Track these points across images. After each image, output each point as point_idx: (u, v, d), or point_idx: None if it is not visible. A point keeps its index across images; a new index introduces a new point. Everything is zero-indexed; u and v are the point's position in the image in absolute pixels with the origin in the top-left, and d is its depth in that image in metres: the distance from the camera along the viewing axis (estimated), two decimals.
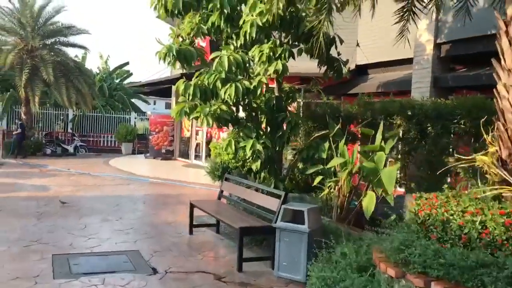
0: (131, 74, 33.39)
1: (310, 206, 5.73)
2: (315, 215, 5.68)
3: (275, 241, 5.79)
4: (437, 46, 9.83)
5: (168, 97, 27.30)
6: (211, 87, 7.47)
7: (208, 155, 18.07)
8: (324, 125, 9.19)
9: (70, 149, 22.59)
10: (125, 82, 33.04)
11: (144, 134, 24.85)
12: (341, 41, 8.02)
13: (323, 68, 8.31)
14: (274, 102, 8.06)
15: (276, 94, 8.16)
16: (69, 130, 25.91)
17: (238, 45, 7.58)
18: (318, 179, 7.22)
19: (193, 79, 7.77)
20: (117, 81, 32.59)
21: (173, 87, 20.71)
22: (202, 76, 7.74)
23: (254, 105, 8.11)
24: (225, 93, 7.27)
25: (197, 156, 19.26)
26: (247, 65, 7.42)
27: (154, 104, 39.60)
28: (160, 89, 22.47)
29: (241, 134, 7.70)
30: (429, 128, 8.33)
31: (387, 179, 6.42)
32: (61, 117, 26.45)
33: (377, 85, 11.57)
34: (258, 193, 6.81)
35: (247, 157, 7.43)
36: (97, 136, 25.95)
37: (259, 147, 7.28)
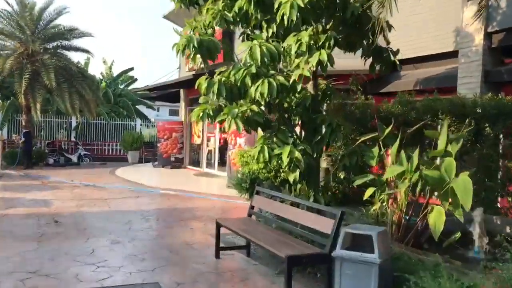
0: (136, 79, 32.33)
1: (378, 229, 4.54)
2: (385, 240, 4.50)
3: (329, 272, 4.62)
4: (488, 36, 8.67)
5: (174, 103, 26.22)
6: (238, 84, 6.32)
7: (220, 162, 16.92)
8: (363, 127, 8.04)
9: (74, 158, 21.48)
10: (130, 88, 31.96)
11: (151, 142, 23.75)
12: (390, 28, 6.85)
13: (357, 63, 7.16)
14: (310, 101, 6.88)
15: (312, 92, 7.00)
16: (73, 139, 24.82)
17: (270, 34, 6.43)
18: (369, 191, 6.03)
19: (215, 76, 6.63)
20: (121, 87, 31.51)
21: (182, 92, 19.60)
22: (227, 72, 6.61)
23: (285, 105, 6.96)
24: (255, 91, 6.13)
25: (209, 164, 18.10)
26: (281, 57, 6.25)
27: (158, 110, 38.43)
28: (167, 93, 21.39)
29: (274, 139, 6.53)
30: (486, 128, 7.20)
31: (462, 190, 5.21)
32: (64, 125, 25.37)
33: (413, 82, 10.39)
34: (303, 210, 5.61)
35: (282, 167, 6.24)
36: (101, 144, 24.84)
37: (297, 154, 6.12)
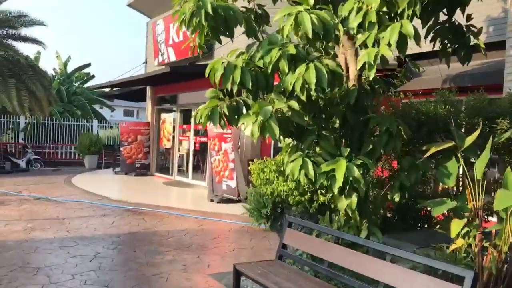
0: (93, 76, 29.59)
1: None
2: None
3: None
4: None
5: (138, 102, 23.89)
6: (269, 70, 4.38)
7: (195, 170, 14.84)
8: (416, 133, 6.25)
9: (22, 164, 18.78)
10: (86, 85, 29.21)
11: (112, 145, 21.32)
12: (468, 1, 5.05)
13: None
14: (355, 97, 4.98)
15: (354, 85, 5.12)
16: (21, 141, 22.02)
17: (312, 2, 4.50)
18: (457, 225, 4.22)
19: (234, 58, 4.65)
20: (76, 84, 28.73)
21: (148, 89, 17.40)
22: (247, 54, 4.66)
23: (321, 102, 5.07)
24: (296, 80, 4.21)
25: (180, 172, 15.96)
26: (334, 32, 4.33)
27: (112, 111, 35.47)
28: (130, 92, 19.06)
29: (317, 150, 4.61)
30: None
31: None
32: (11, 126, 22.49)
33: (438, 79, 8.74)
34: (389, 263, 3.72)
35: (334, 188, 4.32)
36: (54, 147, 22.14)
37: (357, 173, 4.23)
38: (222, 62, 4.48)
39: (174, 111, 16.38)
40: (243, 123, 4.36)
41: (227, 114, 4.70)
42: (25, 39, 18.09)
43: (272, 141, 11.67)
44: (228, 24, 4.64)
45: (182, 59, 14.09)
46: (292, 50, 4.33)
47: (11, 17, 17.34)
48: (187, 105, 15.58)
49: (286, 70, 4.34)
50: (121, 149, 17.22)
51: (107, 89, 19.21)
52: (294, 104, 4.33)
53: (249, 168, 7.03)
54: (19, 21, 17.54)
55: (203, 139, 14.45)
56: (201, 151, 14.87)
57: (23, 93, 16.90)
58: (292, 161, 4.48)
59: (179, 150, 15.98)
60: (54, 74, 28.39)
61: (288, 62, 4.33)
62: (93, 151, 19.94)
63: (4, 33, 17.57)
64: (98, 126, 25.11)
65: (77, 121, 24.11)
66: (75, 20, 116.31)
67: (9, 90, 16.39)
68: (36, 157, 19.46)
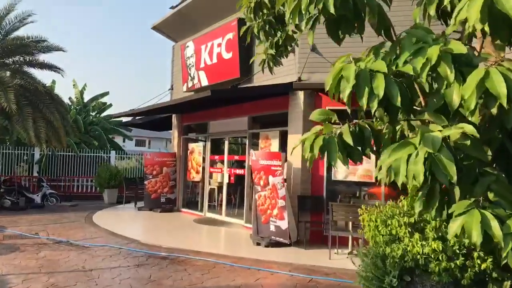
0: (110, 105, 28.49)
1: None
2: None
3: None
4: None
5: (161, 131, 22.64)
6: (423, 77, 2.93)
7: (228, 203, 13.34)
8: None
9: (37, 199, 17.40)
10: (103, 115, 28.09)
11: (133, 178, 19.93)
12: None
13: None
14: None
15: None
16: (35, 174, 20.72)
17: None
18: None
19: (365, 63, 3.21)
20: (93, 113, 27.60)
21: (174, 118, 16.06)
22: (389, 55, 3.23)
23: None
24: (471, 93, 2.77)
25: (210, 207, 14.47)
26: None
27: (124, 141, 34.13)
28: (153, 121, 17.74)
29: (490, 196, 3.11)
30: None
31: None
32: (25, 157, 21.23)
33: None
34: None
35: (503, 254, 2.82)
36: (70, 180, 20.79)
37: None
38: (355, 68, 3.04)
39: (203, 140, 15.00)
40: (393, 158, 2.88)
41: (351, 144, 3.24)
42: (43, 65, 16.96)
43: (326, 173, 10.16)
44: (357, 13, 3.21)
45: (215, 83, 12.77)
46: (459, 48, 2.90)
47: (29, 42, 16.24)
48: (218, 133, 14.21)
49: (451, 78, 2.90)
50: (145, 182, 15.78)
51: (129, 118, 17.88)
52: (471, 129, 2.85)
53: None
54: (37, 46, 16.44)
55: (239, 171, 13.00)
56: (236, 185, 13.41)
57: (40, 123, 15.70)
58: (461, 213, 2.98)
59: (209, 184, 14.51)
60: (70, 103, 27.32)
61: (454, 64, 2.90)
62: (113, 185, 18.54)
63: (21, 59, 16.47)
64: (116, 157, 23.83)
65: (94, 152, 22.84)
66: (90, 47, 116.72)
67: (25, 120, 15.17)
68: (51, 191, 18.08)
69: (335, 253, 9.14)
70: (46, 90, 16.63)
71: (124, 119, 20.85)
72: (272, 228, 9.80)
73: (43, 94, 16.16)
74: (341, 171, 10.23)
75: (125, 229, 11.81)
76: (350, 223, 9.05)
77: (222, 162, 13.86)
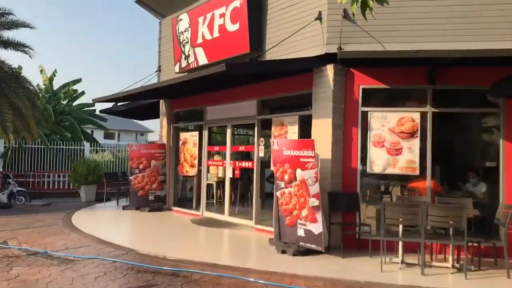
0: (83, 93, 26.08)
1: None
2: None
3: None
4: None
5: (146, 119, 20.64)
6: None
7: (234, 203, 11.56)
8: None
9: (3, 198, 15.24)
10: (75, 103, 25.70)
11: (114, 173, 17.82)
12: None
13: None
14: None
15: None
16: (0, 169, 18.40)
17: None
18: None
19: None
20: (64, 102, 25.17)
21: (162, 104, 14.11)
22: None
23: None
24: None
25: (208, 205, 12.63)
26: None
27: (92, 133, 31.64)
28: (137, 108, 15.70)
29: None
30: None
31: None
32: None
33: None
34: None
35: None
36: (40, 176, 18.52)
37: None
38: None
39: (198, 130, 13.13)
40: None
41: None
42: (8, 44, 14.65)
43: (360, 165, 8.54)
44: None
45: (218, 61, 10.87)
46: None
47: None
48: (218, 121, 12.37)
49: None
50: (131, 178, 13.79)
51: (110, 105, 15.75)
52: None
53: None
54: (1, 21, 14.16)
55: (246, 164, 11.20)
56: (242, 180, 11.64)
57: (6, 110, 13.51)
58: None
59: (206, 178, 12.65)
60: (38, 90, 24.80)
61: None
62: (91, 181, 16.43)
63: None
64: (90, 150, 21.65)
65: (66, 145, 20.58)
66: (59, 32, 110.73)
67: None
68: (20, 188, 15.87)
69: (381, 262, 7.51)
70: (13, 72, 14.39)
71: (102, 107, 18.71)
72: (300, 232, 8.07)
73: (9, 77, 13.94)
74: (379, 163, 8.58)
75: (115, 234, 9.88)
76: (401, 226, 7.40)
77: (224, 154, 12.03)
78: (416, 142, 8.47)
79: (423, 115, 8.49)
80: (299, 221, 8.11)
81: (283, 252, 8.08)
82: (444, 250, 7.68)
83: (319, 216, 7.76)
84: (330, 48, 8.52)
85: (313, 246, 7.84)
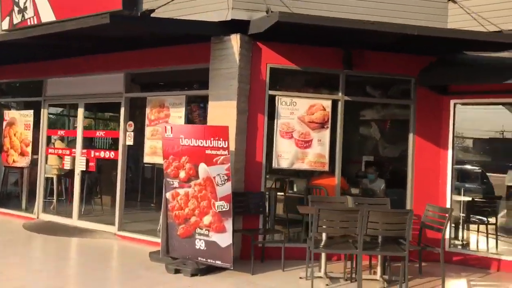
0: None
1: None
2: None
3: None
4: None
5: None
6: None
7: (85, 200, 9.14)
8: None
9: None
10: None
11: None
12: None
13: None
14: None
15: None
16: None
17: None
18: None
19: None
20: None
21: None
22: None
23: None
24: None
25: (47, 204, 9.84)
26: None
27: None
28: None
29: None
30: None
31: None
32: None
33: None
34: None
35: None
36: None
37: None
38: None
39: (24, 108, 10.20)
40: None
41: None
42: None
43: (264, 161, 7.18)
44: None
45: (70, 19, 8.23)
46: None
47: None
48: (65, 98, 9.68)
49: None
50: None
51: None
52: None
53: None
54: None
55: (107, 154, 8.84)
56: (99, 174, 9.28)
57: None
58: None
59: (43, 168, 9.83)
60: None
61: None
62: None
63: None
64: None
65: None
66: None
67: None
68: None
69: (300, 277, 6.22)
70: None
71: None
72: (200, 245, 6.25)
73: None
74: (286, 156, 7.25)
75: None
76: (324, 235, 6.18)
77: (73, 140, 9.42)
78: (326, 134, 7.36)
79: (334, 104, 7.44)
80: (198, 230, 6.29)
81: (177, 271, 6.20)
82: (370, 260, 6.70)
83: (228, 224, 6.08)
84: (238, 13, 6.84)
85: (218, 263, 6.14)
